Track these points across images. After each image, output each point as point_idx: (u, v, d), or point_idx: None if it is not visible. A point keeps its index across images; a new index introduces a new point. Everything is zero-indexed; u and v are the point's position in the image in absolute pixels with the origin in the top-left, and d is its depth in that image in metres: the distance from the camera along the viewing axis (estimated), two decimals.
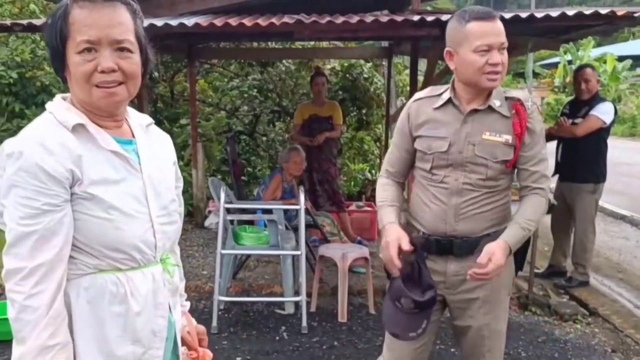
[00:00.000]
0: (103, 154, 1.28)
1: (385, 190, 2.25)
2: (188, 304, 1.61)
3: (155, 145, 1.43)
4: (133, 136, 1.38)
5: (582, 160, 4.66)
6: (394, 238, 2.05)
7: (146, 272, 1.34)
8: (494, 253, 1.96)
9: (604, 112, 4.60)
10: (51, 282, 1.20)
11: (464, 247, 2.12)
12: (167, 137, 1.53)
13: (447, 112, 2.11)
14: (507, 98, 2.11)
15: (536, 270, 4.86)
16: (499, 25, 2.00)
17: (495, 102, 2.08)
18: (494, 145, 2.07)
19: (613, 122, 4.73)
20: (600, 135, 4.65)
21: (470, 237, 2.12)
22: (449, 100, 2.11)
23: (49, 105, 1.30)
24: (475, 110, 2.08)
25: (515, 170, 2.16)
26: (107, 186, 1.26)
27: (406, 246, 2.02)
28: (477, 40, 1.97)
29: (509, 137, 2.07)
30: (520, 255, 2.23)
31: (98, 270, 1.28)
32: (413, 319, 2.12)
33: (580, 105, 4.78)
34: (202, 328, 1.63)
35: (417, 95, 2.23)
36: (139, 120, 1.44)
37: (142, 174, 1.34)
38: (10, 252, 1.19)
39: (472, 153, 2.07)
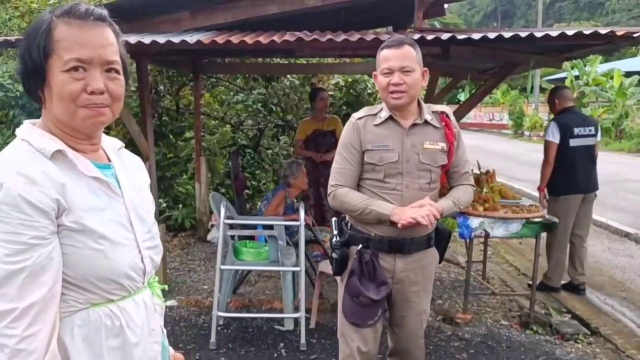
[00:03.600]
0: (84, 180, 1.21)
1: (355, 193, 2.49)
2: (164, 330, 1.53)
3: (129, 169, 1.38)
4: (109, 160, 1.33)
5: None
6: (411, 206, 2.37)
7: (137, 299, 1.30)
8: (432, 204, 2.38)
9: (547, 135, 5.06)
10: (45, 322, 1.11)
11: (412, 246, 2.50)
12: (139, 160, 1.48)
13: (389, 128, 2.46)
14: (433, 112, 2.51)
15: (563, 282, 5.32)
16: (404, 51, 2.37)
17: (428, 117, 2.46)
18: (434, 152, 2.46)
19: (567, 135, 4.94)
20: (560, 151, 4.95)
21: (417, 237, 2.49)
22: (390, 118, 2.45)
23: (19, 132, 1.22)
24: (414, 125, 2.45)
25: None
26: (94, 214, 1.20)
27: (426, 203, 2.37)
28: (382, 64, 2.40)
29: (443, 145, 2.48)
30: (442, 248, 2.67)
31: (90, 305, 1.21)
32: (370, 310, 2.52)
33: None
34: (179, 356, 1.57)
35: (357, 114, 2.53)
36: (110, 144, 1.38)
37: (124, 198, 1.29)
38: None
39: (417, 160, 2.43)
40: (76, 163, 1.21)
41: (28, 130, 1.23)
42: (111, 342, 1.24)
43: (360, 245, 2.50)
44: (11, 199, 1.09)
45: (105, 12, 1.24)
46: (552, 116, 5.27)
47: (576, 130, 4.94)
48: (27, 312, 1.09)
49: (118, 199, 1.28)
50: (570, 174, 4.96)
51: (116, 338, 1.25)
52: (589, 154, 5.02)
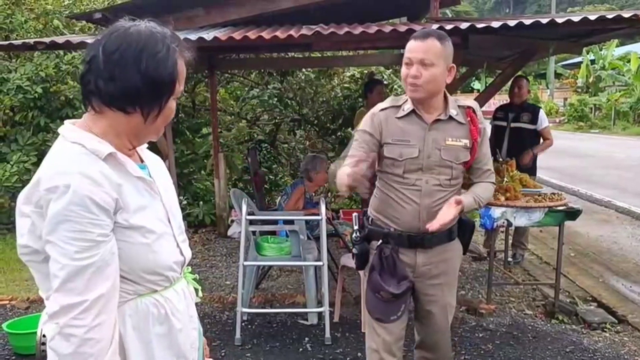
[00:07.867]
0: (132, 181, 1.30)
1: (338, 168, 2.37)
2: None
3: (156, 167, 1.46)
4: (141, 160, 1.43)
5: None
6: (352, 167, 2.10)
7: (177, 288, 1.41)
8: (455, 204, 2.33)
9: (546, 121, 5.52)
10: (110, 312, 1.20)
11: (433, 241, 2.45)
12: (159, 158, 1.54)
13: (412, 122, 2.39)
14: (460, 106, 2.42)
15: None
16: (428, 44, 2.26)
17: (453, 112, 2.39)
18: (456, 149, 2.38)
19: None
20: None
21: (438, 232, 2.38)
22: (413, 112, 2.38)
23: (68, 134, 1.27)
24: (437, 120, 2.38)
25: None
26: (142, 212, 1.29)
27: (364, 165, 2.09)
28: (406, 54, 2.32)
29: (467, 141, 2.40)
30: (466, 240, 2.61)
31: (137, 296, 1.31)
32: (392, 305, 2.50)
33: (514, 109, 5.50)
34: (203, 340, 1.66)
35: (382, 105, 2.47)
36: None
37: (161, 196, 1.38)
38: (64, 288, 1.16)
39: (438, 157, 2.37)
40: (126, 165, 1.30)
41: (75, 132, 1.28)
42: (158, 329, 1.35)
43: (380, 241, 2.49)
44: (79, 200, 1.16)
45: None
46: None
47: None
48: (95, 303, 1.17)
49: (157, 197, 1.37)
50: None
51: (162, 325, 1.36)
52: None
